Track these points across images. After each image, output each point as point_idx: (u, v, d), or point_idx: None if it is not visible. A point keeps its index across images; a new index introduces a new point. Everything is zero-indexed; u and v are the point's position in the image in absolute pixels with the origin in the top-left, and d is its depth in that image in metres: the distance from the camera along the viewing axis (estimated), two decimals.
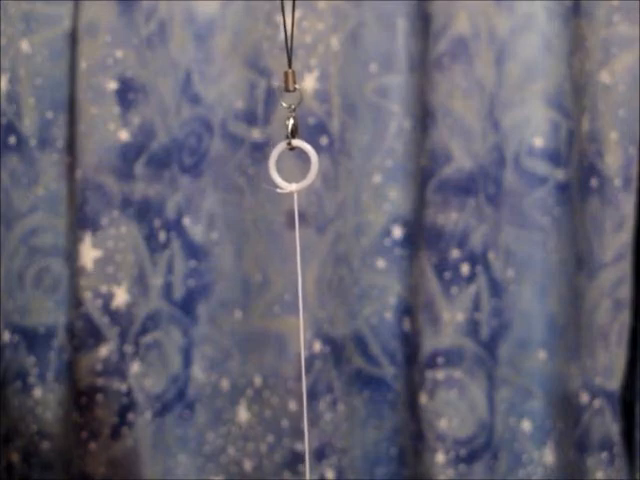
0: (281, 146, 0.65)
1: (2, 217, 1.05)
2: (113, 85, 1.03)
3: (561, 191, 1.03)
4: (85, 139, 1.03)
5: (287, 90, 0.66)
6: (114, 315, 1.04)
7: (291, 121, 0.65)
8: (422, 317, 1.03)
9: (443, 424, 1.02)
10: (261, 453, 1.09)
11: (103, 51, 1.03)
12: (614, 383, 1.00)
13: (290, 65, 0.66)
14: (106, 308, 1.04)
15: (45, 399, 1.08)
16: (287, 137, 0.66)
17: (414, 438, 1.05)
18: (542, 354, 1.04)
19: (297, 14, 1.04)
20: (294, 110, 0.66)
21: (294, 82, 0.66)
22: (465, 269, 1.02)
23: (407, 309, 1.06)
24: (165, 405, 1.07)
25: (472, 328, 1.03)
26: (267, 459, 1.09)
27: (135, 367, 1.05)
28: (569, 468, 1.03)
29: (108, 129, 1.03)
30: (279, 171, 0.67)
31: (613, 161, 0.99)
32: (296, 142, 0.65)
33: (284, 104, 0.67)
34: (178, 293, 1.08)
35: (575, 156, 1.02)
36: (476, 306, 1.03)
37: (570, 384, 1.03)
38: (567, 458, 1.03)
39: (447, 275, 1.02)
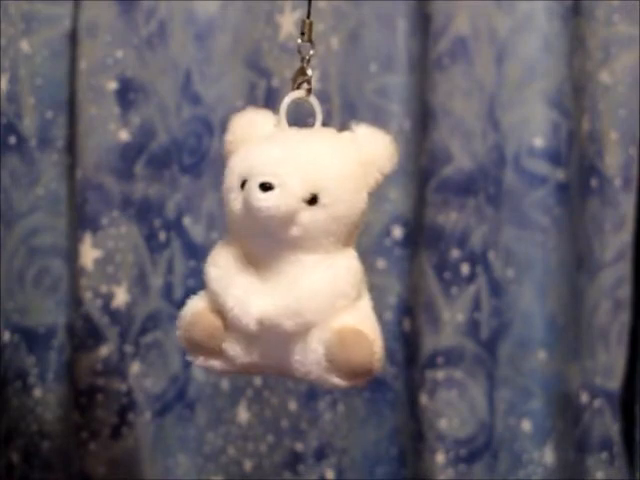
0: (294, 94, 0.65)
1: (2, 217, 1.05)
2: (113, 85, 1.03)
3: (561, 191, 1.03)
4: (85, 139, 1.03)
5: (309, 40, 0.66)
6: (114, 315, 1.04)
7: (309, 71, 0.65)
8: (422, 317, 1.03)
9: (443, 424, 1.02)
10: (261, 453, 1.09)
11: (103, 51, 1.03)
12: (614, 383, 1.00)
13: (309, 16, 0.66)
14: (106, 308, 1.03)
15: (45, 399, 1.08)
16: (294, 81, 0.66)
17: (414, 438, 1.04)
18: (542, 354, 1.04)
19: (297, 14, 1.05)
20: (309, 61, 0.66)
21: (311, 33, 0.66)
22: (465, 269, 1.02)
23: (407, 309, 1.06)
24: (165, 405, 1.07)
25: (472, 328, 1.02)
26: (267, 459, 1.09)
27: (135, 367, 1.05)
28: (569, 468, 1.03)
29: (108, 129, 1.03)
30: None
31: (613, 161, 0.99)
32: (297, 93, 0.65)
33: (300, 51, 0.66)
34: (178, 293, 1.08)
35: (575, 156, 1.02)
36: (476, 306, 1.03)
37: (570, 384, 1.03)
38: (567, 458, 1.03)
39: (447, 275, 1.02)
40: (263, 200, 0.58)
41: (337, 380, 0.61)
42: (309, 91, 0.65)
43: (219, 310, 0.62)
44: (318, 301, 0.60)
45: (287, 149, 0.61)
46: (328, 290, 0.61)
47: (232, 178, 0.61)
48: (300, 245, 0.60)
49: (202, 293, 0.64)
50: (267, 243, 0.61)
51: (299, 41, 0.66)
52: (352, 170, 0.61)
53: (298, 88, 0.65)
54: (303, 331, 0.60)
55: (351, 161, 0.62)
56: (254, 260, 0.62)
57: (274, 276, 0.61)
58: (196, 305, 0.63)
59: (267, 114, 0.64)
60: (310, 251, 0.61)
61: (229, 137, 0.64)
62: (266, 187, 0.58)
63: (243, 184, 0.60)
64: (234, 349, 0.62)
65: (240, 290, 0.61)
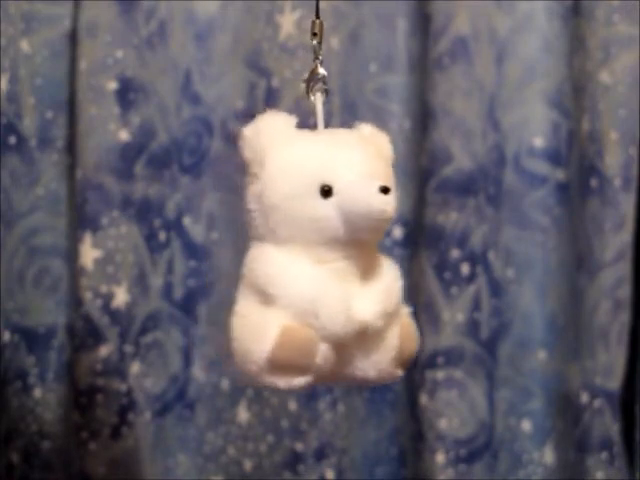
0: (320, 96, 0.64)
1: (2, 217, 1.05)
2: (113, 85, 1.03)
3: (561, 191, 1.03)
4: (85, 139, 1.03)
5: (319, 42, 0.65)
6: (114, 315, 1.04)
7: (323, 70, 0.65)
8: (422, 317, 1.03)
9: (443, 424, 1.02)
10: (261, 453, 1.09)
11: (103, 51, 1.03)
12: (614, 383, 1.00)
13: (318, 16, 0.66)
14: (106, 308, 1.03)
15: (45, 399, 1.08)
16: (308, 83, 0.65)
17: (414, 438, 1.05)
18: (542, 354, 1.04)
19: (297, 14, 1.05)
20: (322, 62, 0.65)
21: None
22: (465, 269, 1.02)
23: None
24: (165, 405, 1.07)
25: (472, 328, 1.02)
26: (267, 459, 1.09)
27: (135, 367, 1.05)
28: (569, 468, 1.03)
29: (108, 129, 1.03)
30: None
31: (613, 161, 0.99)
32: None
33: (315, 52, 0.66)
34: (178, 293, 1.08)
35: (575, 156, 1.02)
36: (476, 306, 1.03)
37: (570, 384, 1.03)
38: (567, 458, 1.03)
39: (447, 275, 1.02)
40: (388, 203, 0.57)
41: (399, 372, 0.62)
42: (326, 92, 0.65)
43: (311, 323, 0.58)
44: (395, 298, 0.61)
45: (359, 153, 0.60)
46: (398, 286, 0.61)
47: (297, 184, 0.59)
48: (372, 245, 0.61)
49: (271, 312, 0.58)
50: (344, 247, 0.59)
51: (314, 42, 0.66)
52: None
53: (311, 89, 0.65)
54: (383, 330, 0.60)
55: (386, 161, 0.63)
56: (325, 265, 0.60)
57: (352, 279, 0.60)
58: (275, 325, 0.58)
59: (287, 117, 0.62)
60: (373, 250, 0.61)
61: (261, 140, 0.61)
62: (386, 190, 0.57)
63: (323, 190, 0.58)
64: (326, 361, 0.59)
65: (335, 298, 0.58)
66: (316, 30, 0.65)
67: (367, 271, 0.60)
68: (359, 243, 0.60)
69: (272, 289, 0.59)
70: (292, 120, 0.62)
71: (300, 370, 0.58)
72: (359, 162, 0.59)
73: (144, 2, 1.04)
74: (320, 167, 0.59)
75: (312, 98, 0.64)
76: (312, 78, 0.65)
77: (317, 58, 0.65)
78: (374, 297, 0.60)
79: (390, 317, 0.60)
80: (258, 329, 0.58)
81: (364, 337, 0.60)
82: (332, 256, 0.60)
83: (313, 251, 0.60)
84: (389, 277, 0.61)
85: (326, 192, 0.58)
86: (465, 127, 1.01)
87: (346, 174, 0.58)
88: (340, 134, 0.62)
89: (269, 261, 0.60)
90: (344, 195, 0.58)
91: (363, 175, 0.58)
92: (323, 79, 0.65)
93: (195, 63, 1.07)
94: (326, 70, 1.08)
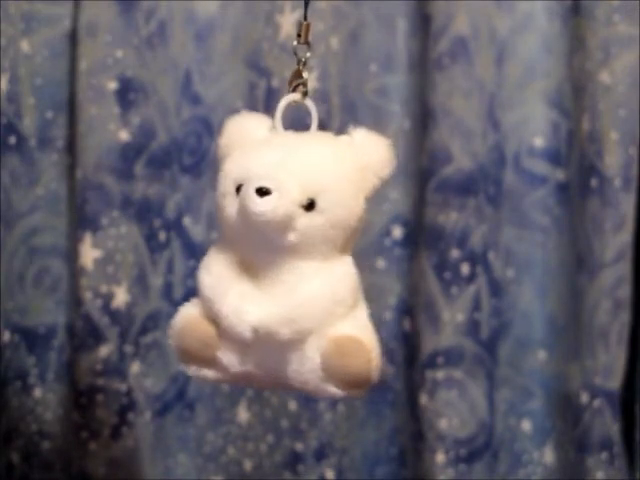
0: (289, 97, 0.64)
1: (2, 217, 1.05)
2: (113, 85, 1.04)
3: (561, 191, 1.03)
4: (85, 139, 1.03)
5: (305, 42, 0.65)
6: (114, 315, 1.04)
7: (305, 74, 0.65)
8: (422, 317, 1.03)
9: (443, 424, 1.02)
10: (261, 453, 1.09)
11: (103, 51, 1.03)
12: (614, 383, 1.00)
13: (306, 18, 0.65)
14: (106, 308, 1.04)
15: (45, 399, 1.08)
16: (290, 85, 0.65)
17: (414, 438, 1.04)
18: (542, 354, 1.04)
19: (297, 14, 1.05)
20: (305, 64, 0.65)
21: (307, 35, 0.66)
22: (465, 269, 1.02)
23: (407, 309, 1.06)
24: (165, 405, 1.07)
25: (472, 328, 1.02)
26: (267, 459, 1.09)
27: (135, 367, 1.05)
28: (569, 468, 1.03)
29: (108, 129, 1.03)
30: None
31: (613, 161, 0.99)
32: (293, 97, 0.64)
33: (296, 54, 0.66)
34: (178, 293, 1.08)
35: (575, 156, 1.02)
36: (476, 306, 1.03)
37: (570, 384, 1.03)
38: (567, 458, 1.03)
39: (447, 275, 1.02)
40: (260, 205, 0.57)
41: (334, 390, 0.60)
42: (305, 94, 0.65)
43: (213, 318, 0.60)
44: (315, 309, 0.59)
45: (284, 153, 0.60)
46: (325, 297, 0.59)
47: (227, 183, 0.60)
48: (297, 251, 0.59)
49: (195, 300, 0.62)
50: (263, 249, 0.60)
51: (295, 43, 0.66)
52: (350, 175, 0.61)
53: (294, 90, 0.65)
54: (299, 339, 0.59)
55: (349, 166, 0.61)
56: (249, 267, 0.60)
57: (270, 283, 0.60)
58: (188, 313, 0.62)
59: (262, 117, 0.63)
60: (307, 257, 0.60)
61: (222, 140, 0.63)
62: (263, 192, 0.57)
63: (239, 189, 0.59)
64: (228, 358, 0.61)
65: (235, 297, 0.59)
66: (300, 32, 0.65)
67: (289, 278, 0.59)
68: (283, 247, 0.59)
69: (197, 283, 0.62)
70: (265, 121, 0.63)
71: (202, 361, 0.61)
72: (269, 164, 0.59)
73: (144, 2, 1.04)
74: (243, 167, 0.60)
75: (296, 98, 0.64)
76: (294, 79, 0.65)
77: (300, 60, 0.65)
78: (279, 303, 0.59)
79: (303, 328, 0.59)
80: (178, 316, 0.63)
81: (270, 343, 0.59)
82: (253, 256, 0.60)
83: (237, 249, 0.60)
84: (315, 287, 0.59)
85: (238, 191, 0.59)
86: (465, 127, 1.01)
87: (250, 175, 0.58)
88: (298, 137, 0.62)
89: (205, 257, 0.62)
90: (240, 195, 0.59)
91: (257, 176, 0.58)
92: (304, 83, 0.64)
93: (195, 63, 1.07)
94: (326, 70, 1.08)
